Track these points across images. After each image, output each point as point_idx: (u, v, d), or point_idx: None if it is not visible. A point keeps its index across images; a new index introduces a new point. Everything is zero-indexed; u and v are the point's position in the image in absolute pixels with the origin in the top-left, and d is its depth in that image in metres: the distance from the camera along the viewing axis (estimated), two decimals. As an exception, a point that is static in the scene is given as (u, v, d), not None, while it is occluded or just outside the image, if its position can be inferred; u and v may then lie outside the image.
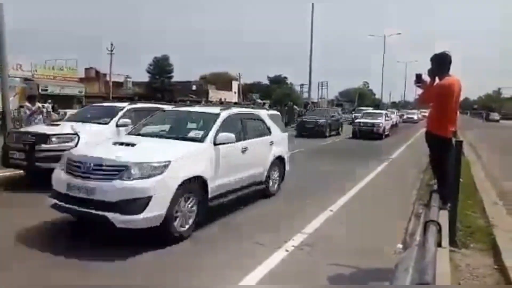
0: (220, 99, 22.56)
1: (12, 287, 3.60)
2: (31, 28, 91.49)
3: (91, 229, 4.92)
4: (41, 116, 12.21)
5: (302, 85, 58.26)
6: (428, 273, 2.03)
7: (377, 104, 56.84)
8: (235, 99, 45.07)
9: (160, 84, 40.57)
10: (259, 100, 38.08)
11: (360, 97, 67.86)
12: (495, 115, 58.10)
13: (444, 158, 4.25)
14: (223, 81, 51.17)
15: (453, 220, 4.36)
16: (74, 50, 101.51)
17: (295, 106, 30.83)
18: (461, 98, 4.49)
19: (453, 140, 4.44)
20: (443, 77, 4.00)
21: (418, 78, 4.31)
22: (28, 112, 12.04)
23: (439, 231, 2.91)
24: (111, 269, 3.94)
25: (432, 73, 4.10)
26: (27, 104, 12.26)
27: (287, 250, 4.56)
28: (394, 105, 74.98)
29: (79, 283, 3.68)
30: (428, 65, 4.16)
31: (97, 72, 39.92)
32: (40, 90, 26.26)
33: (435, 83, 4.11)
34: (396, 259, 4.15)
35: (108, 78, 38.20)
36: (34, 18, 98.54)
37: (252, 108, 8.72)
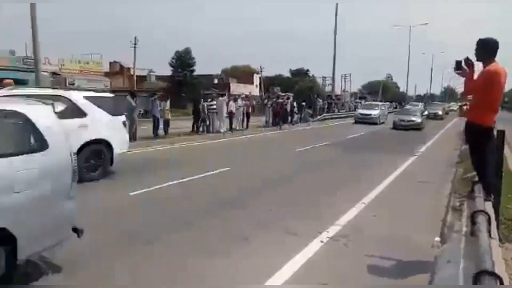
0: (243, 94, 22.56)
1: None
2: (57, 20, 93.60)
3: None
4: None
5: (324, 77, 57.43)
6: (486, 261, 1.97)
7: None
8: (257, 92, 44.93)
9: (183, 78, 40.88)
10: (280, 93, 37.92)
11: (383, 90, 66.47)
12: None
13: (486, 148, 4.09)
14: (244, 74, 51.08)
15: (496, 212, 4.21)
16: (98, 45, 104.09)
17: (318, 99, 30.60)
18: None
19: (495, 130, 4.28)
20: (489, 63, 3.84)
21: (458, 65, 4.16)
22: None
23: (489, 221, 2.82)
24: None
25: (477, 57, 3.94)
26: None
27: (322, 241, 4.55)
28: (420, 98, 73.08)
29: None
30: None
31: (121, 66, 40.52)
32: (67, 84, 26.87)
33: (483, 69, 3.96)
34: (435, 252, 4.07)
35: (132, 72, 38.79)
36: (60, 12, 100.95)
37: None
